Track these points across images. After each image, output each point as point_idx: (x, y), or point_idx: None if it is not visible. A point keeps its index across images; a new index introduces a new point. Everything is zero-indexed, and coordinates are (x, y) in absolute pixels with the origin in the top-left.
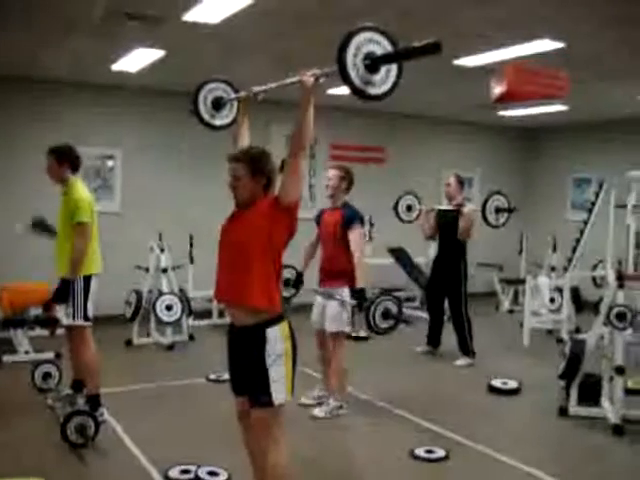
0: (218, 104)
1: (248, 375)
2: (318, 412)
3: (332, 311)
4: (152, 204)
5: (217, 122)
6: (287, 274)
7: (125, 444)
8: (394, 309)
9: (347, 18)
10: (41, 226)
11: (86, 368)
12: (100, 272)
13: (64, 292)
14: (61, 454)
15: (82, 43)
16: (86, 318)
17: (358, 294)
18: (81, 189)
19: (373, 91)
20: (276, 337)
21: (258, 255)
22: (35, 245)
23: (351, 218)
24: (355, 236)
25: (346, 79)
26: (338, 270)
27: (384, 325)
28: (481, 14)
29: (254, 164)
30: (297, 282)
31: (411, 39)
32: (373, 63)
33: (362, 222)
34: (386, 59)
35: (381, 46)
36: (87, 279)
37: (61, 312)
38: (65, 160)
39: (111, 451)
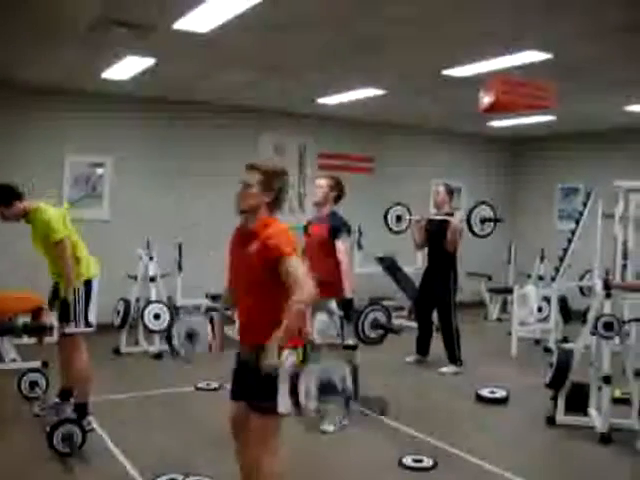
0: (192, 336)
1: (256, 380)
2: (327, 426)
3: (320, 325)
4: (141, 212)
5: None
6: None
7: (112, 453)
8: (383, 319)
9: (336, 27)
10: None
11: (78, 376)
12: (98, 274)
13: (68, 311)
14: (47, 463)
15: (72, 50)
16: (87, 324)
17: (346, 304)
18: (44, 211)
19: None
20: (289, 350)
21: (267, 292)
22: (17, 252)
23: (338, 227)
24: (342, 245)
25: None
26: (325, 281)
27: (373, 335)
28: (469, 25)
29: (266, 177)
30: None
31: (401, 45)
32: None
33: (349, 231)
34: None
35: None
36: (87, 283)
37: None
38: (10, 200)
39: (98, 460)
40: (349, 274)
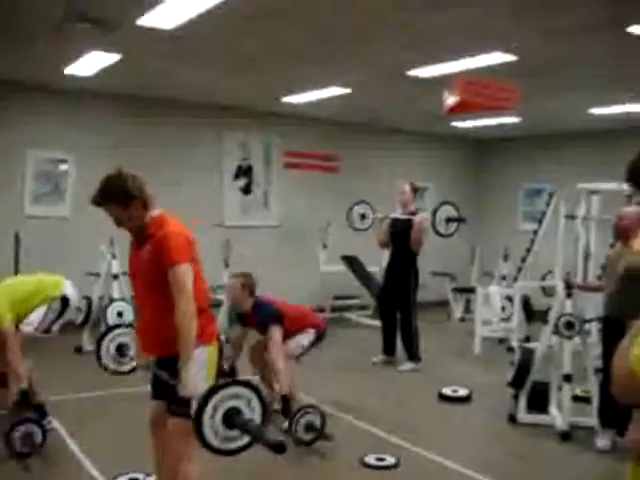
0: (122, 350)
1: (171, 388)
2: (287, 425)
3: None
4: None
5: (125, 368)
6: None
7: (72, 452)
8: (317, 422)
9: (302, 22)
10: None
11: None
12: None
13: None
14: (5, 463)
15: (34, 45)
16: (46, 331)
17: (282, 401)
18: None
19: (233, 445)
20: (202, 351)
21: (163, 298)
22: None
23: (265, 321)
24: (272, 340)
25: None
26: (295, 330)
27: (305, 437)
28: (435, 26)
29: (113, 196)
30: (231, 374)
31: (367, 42)
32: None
33: (278, 319)
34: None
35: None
36: (64, 301)
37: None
38: None
39: (58, 460)
40: (284, 371)
